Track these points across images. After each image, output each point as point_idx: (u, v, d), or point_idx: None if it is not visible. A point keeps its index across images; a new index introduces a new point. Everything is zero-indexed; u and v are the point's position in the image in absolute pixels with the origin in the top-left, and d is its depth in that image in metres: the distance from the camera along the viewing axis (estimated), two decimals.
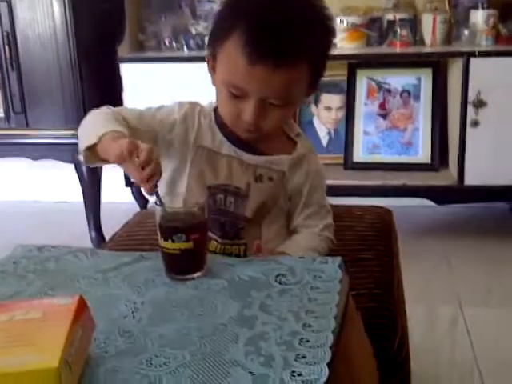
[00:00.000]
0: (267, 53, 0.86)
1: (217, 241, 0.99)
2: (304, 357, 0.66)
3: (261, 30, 0.87)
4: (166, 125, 0.98)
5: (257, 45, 0.86)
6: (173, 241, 0.82)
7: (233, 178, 0.98)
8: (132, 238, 1.27)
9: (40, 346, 0.59)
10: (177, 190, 1.00)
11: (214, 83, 0.97)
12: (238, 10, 0.90)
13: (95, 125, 0.93)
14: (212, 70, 0.97)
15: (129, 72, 2.13)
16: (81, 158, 0.93)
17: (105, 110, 0.98)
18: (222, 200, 0.97)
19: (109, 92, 2.13)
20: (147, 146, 0.82)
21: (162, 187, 0.98)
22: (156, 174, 0.82)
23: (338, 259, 0.87)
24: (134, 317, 0.75)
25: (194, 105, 1.01)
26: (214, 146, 0.99)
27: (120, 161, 0.83)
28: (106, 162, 0.90)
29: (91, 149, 0.90)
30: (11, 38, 2.04)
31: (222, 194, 0.97)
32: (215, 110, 1.01)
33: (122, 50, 2.17)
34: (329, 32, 0.95)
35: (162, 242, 0.84)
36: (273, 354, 0.66)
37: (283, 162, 1.00)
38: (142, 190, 0.85)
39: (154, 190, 0.84)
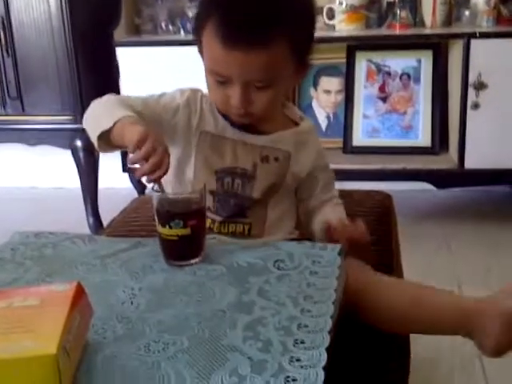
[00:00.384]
0: (239, 36, 0.88)
1: (221, 221, 0.99)
2: (302, 342, 0.66)
3: (230, 14, 0.89)
4: (170, 110, 0.99)
5: (228, 30, 0.88)
6: (170, 227, 0.82)
7: (238, 160, 0.99)
8: (130, 224, 1.26)
9: (38, 333, 0.59)
10: (185, 177, 1.01)
11: (204, 72, 0.97)
12: (210, 4, 0.93)
13: (105, 111, 0.93)
14: (201, 54, 0.98)
15: (125, 56, 2.11)
16: (95, 145, 0.93)
17: (110, 98, 0.98)
18: (230, 183, 0.98)
19: (105, 76, 2.11)
20: (155, 139, 0.82)
21: (169, 174, 0.97)
22: (160, 169, 0.82)
23: (338, 246, 0.86)
24: (132, 303, 0.75)
25: (195, 90, 1.02)
26: (217, 130, 1.00)
27: (135, 148, 0.82)
28: (120, 147, 0.90)
29: (104, 135, 0.90)
30: (6, 23, 2.02)
31: (229, 177, 0.98)
32: None
33: (118, 33, 2.14)
34: (304, 8, 0.95)
35: (159, 228, 0.84)
36: (271, 340, 0.66)
37: (288, 139, 1.01)
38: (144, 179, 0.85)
39: (156, 183, 0.83)
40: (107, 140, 0.91)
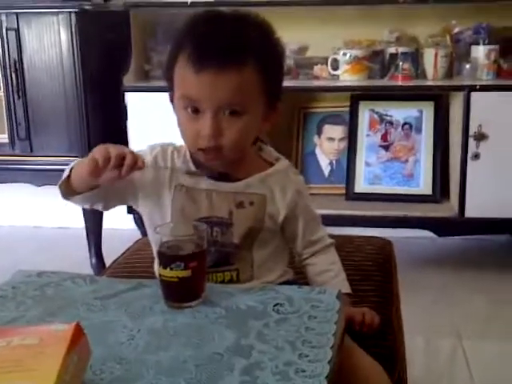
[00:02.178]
0: (209, 59, 0.91)
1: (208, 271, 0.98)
2: None
3: (202, 42, 0.93)
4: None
5: (199, 54, 0.92)
6: (171, 269, 0.83)
7: (214, 209, 0.99)
8: (131, 265, 1.27)
9: (35, 373, 0.59)
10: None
11: (176, 114, 0.99)
12: (181, 35, 0.97)
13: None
14: (171, 101, 1.00)
15: (134, 101, 2.16)
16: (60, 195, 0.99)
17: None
18: (209, 231, 0.97)
19: (113, 120, 2.15)
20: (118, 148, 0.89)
21: (148, 227, 1.04)
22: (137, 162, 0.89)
23: (336, 290, 0.87)
24: (130, 344, 0.75)
25: (165, 147, 1.04)
26: (191, 182, 1.00)
27: (96, 170, 0.89)
28: (81, 190, 0.96)
29: (66, 185, 0.97)
30: (18, 66, 2.08)
31: (207, 226, 0.97)
32: None
33: (128, 79, 2.20)
34: (276, 46, 0.99)
35: (160, 270, 0.85)
36: None
37: (261, 182, 1.01)
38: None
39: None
40: (71, 190, 0.97)
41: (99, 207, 1.03)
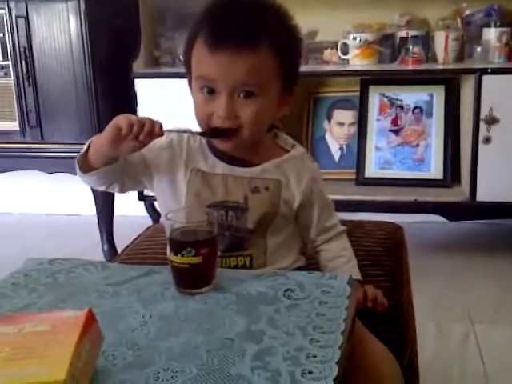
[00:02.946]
0: (224, 40, 0.92)
1: (221, 256, 0.98)
2: (310, 372, 0.66)
3: (217, 23, 0.95)
4: (153, 150, 1.01)
5: (215, 36, 0.93)
6: (182, 255, 0.83)
7: (229, 193, 1.00)
8: (143, 252, 1.28)
9: (48, 359, 0.60)
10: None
11: (192, 97, 1.00)
12: (199, 20, 0.98)
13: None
14: (189, 85, 1.01)
15: (143, 87, 2.16)
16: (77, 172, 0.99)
17: None
18: (224, 216, 0.98)
19: (123, 107, 2.14)
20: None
21: (163, 209, 1.04)
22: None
23: (347, 276, 0.87)
24: (142, 330, 0.76)
25: (181, 133, 1.04)
26: (207, 167, 1.01)
27: (117, 138, 0.90)
28: (98, 165, 0.96)
29: (83, 161, 0.97)
30: (28, 53, 2.08)
31: (222, 210, 0.99)
32: None
33: (137, 65, 2.19)
34: (292, 28, 0.99)
35: (171, 256, 0.85)
36: (279, 369, 0.67)
37: (276, 167, 1.02)
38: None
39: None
40: (89, 166, 0.97)
41: (115, 189, 1.03)
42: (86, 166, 0.97)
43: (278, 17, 0.98)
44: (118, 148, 0.91)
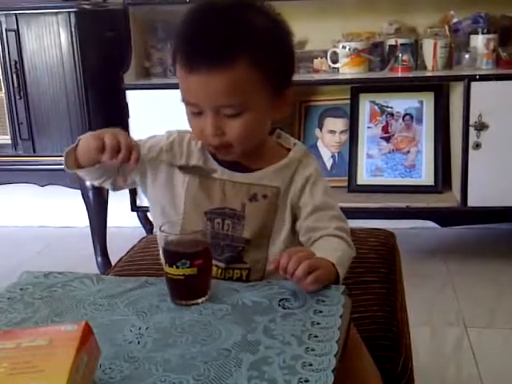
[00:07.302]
0: (199, 59, 0.89)
1: (217, 266, 0.98)
2: (307, 381, 0.67)
3: (191, 42, 0.92)
4: (154, 151, 1.00)
5: (189, 56, 0.91)
6: (177, 267, 0.84)
7: (227, 200, 0.98)
8: (137, 263, 1.28)
9: (46, 373, 0.60)
10: (173, 217, 1.00)
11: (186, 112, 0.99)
12: (176, 35, 0.97)
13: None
14: (182, 99, 1.00)
15: (135, 99, 2.16)
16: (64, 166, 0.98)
17: None
18: (220, 224, 0.97)
19: (115, 119, 2.15)
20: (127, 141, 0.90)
21: (157, 216, 1.03)
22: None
23: (342, 287, 0.87)
24: (138, 342, 0.76)
25: (183, 133, 1.03)
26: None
27: (102, 150, 0.89)
28: (84, 164, 0.95)
29: (71, 156, 0.96)
30: (19, 67, 2.08)
31: (219, 217, 0.97)
32: None
33: (128, 77, 2.20)
34: (269, 32, 0.93)
35: (166, 268, 0.86)
36: (276, 379, 0.67)
37: (276, 174, 0.99)
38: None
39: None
40: (76, 163, 0.96)
41: (107, 185, 1.02)
42: (73, 161, 0.96)
43: (261, 15, 0.93)
44: (101, 155, 0.91)
